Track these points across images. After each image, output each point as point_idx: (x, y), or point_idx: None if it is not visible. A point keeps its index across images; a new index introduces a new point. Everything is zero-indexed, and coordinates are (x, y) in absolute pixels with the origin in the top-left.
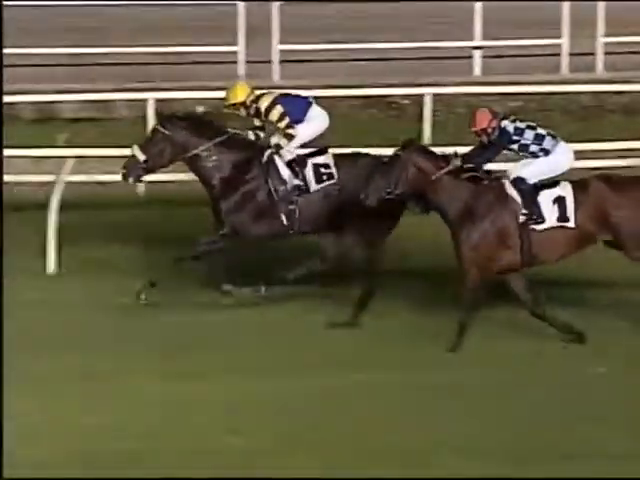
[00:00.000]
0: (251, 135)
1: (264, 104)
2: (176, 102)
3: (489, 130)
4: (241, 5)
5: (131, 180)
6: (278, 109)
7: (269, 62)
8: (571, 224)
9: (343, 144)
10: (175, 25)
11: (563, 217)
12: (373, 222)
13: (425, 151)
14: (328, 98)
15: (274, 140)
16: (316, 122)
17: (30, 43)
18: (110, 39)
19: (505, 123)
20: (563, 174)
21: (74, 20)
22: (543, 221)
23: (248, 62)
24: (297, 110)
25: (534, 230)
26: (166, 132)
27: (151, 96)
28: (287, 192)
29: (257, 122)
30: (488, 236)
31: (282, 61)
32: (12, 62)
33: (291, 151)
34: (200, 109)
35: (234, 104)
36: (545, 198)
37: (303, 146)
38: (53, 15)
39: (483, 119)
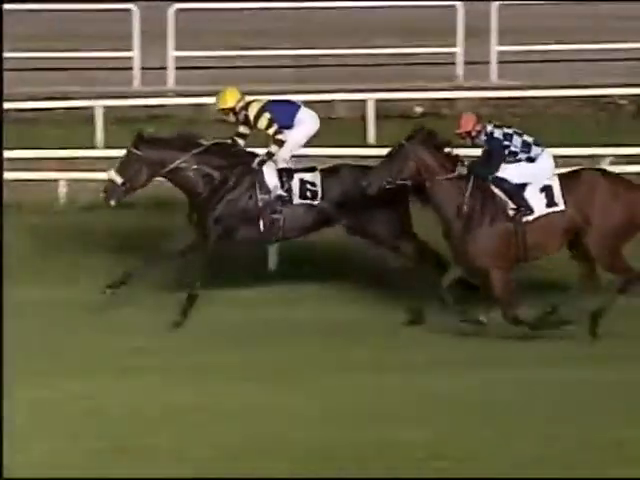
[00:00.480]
0: (232, 142)
1: (252, 111)
2: (395, 103)
3: (473, 133)
4: (460, 5)
5: (112, 202)
6: (266, 116)
7: (487, 63)
8: (560, 207)
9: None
10: (394, 26)
11: (551, 202)
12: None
13: (431, 145)
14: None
15: (270, 149)
16: (305, 125)
17: (256, 45)
18: (329, 41)
19: (490, 128)
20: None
21: (295, 24)
22: (532, 212)
23: (467, 63)
24: (285, 116)
25: (527, 222)
26: (139, 153)
27: (371, 97)
28: (271, 201)
29: (242, 129)
30: (493, 235)
31: (500, 62)
32: (243, 63)
33: (286, 159)
34: (418, 110)
35: (223, 109)
36: (531, 190)
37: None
38: (275, 19)
39: (468, 122)
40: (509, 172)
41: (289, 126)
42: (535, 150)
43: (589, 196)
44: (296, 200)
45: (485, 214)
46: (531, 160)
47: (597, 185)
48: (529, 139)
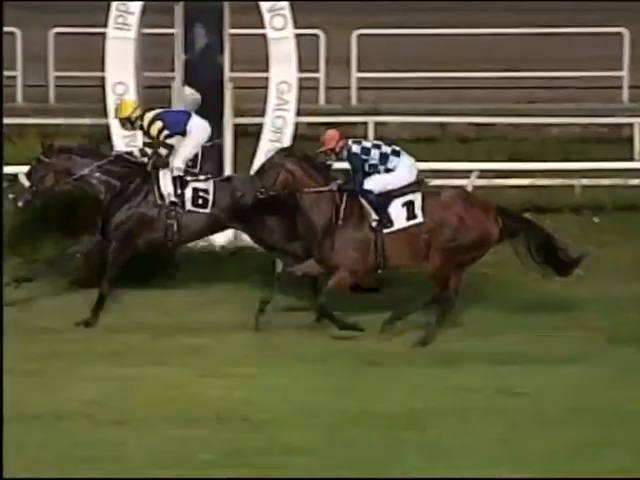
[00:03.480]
0: (138, 153)
1: (146, 121)
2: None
3: (337, 150)
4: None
5: (20, 204)
6: (157, 125)
7: None
8: (419, 220)
9: None
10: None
11: (411, 215)
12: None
13: (302, 158)
14: None
15: (160, 151)
16: (196, 133)
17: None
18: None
19: (350, 145)
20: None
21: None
22: (392, 224)
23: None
24: (176, 124)
25: (387, 233)
26: (47, 160)
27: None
28: (165, 208)
29: (145, 139)
30: (351, 243)
31: None
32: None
33: (180, 168)
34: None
35: (121, 119)
36: (395, 205)
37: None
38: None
39: (331, 139)
40: (372, 184)
41: (179, 133)
42: (393, 161)
43: (445, 213)
44: (189, 206)
45: (349, 222)
46: (390, 170)
47: (453, 204)
48: (387, 150)
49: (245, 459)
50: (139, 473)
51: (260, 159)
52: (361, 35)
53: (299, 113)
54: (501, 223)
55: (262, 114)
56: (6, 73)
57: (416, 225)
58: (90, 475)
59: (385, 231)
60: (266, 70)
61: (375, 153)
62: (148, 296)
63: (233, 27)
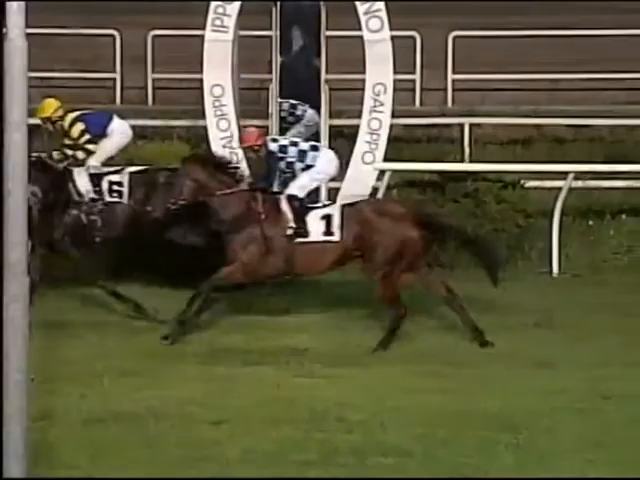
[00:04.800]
0: (56, 155)
1: (67, 122)
2: None
3: (256, 147)
4: None
5: None
6: (78, 126)
7: None
8: (335, 238)
9: None
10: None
11: (328, 231)
12: None
13: (209, 165)
14: None
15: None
16: (117, 135)
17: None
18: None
19: (269, 142)
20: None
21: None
22: (307, 235)
23: None
24: (97, 126)
25: (300, 243)
26: None
27: None
28: (86, 204)
29: (66, 140)
30: (255, 244)
31: None
32: None
33: (97, 166)
34: None
35: (42, 119)
36: (314, 216)
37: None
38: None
39: (250, 137)
40: (297, 188)
41: (101, 135)
42: (311, 156)
43: (363, 227)
44: (108, 198)
45: (261, 223)
46: (310, 166)
47: (367, 218)
48: (305, 146)
49: (340, 459)
50: (235, 473)
51: (356, 161)
52: (457, 37)
53: (394, 115)
54: (422, 222)
55: (358, 116)
56: (105, 75)
57: (331, 242)
58: (187, 475)
59: (298, 240)
60: (362, 72)
61: (293, 150)
62: (244, 297)
63: (329, 29)
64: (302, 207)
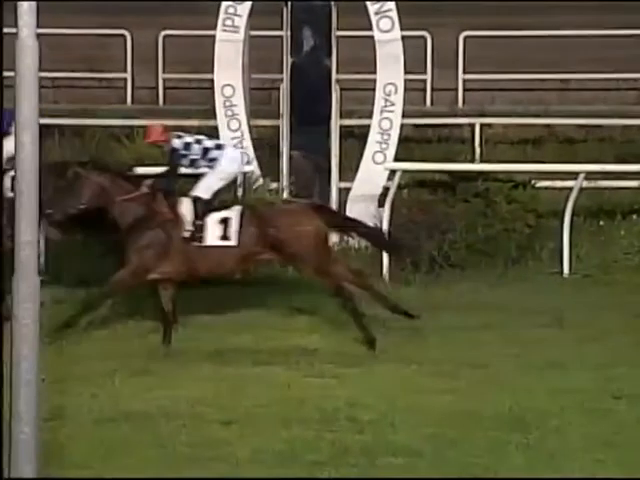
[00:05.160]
0: None
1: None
2: None
3: (160, 143)
4: None
5: None
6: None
7: None
8: (232, 242)
9: None
10: None
11: (225, 236)
12: None
13: (106, 169)
14: None
15: None
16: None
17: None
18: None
19: (173, 139)
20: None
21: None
22: (204, 239)
23: None
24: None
25: (197, 246)
26: None
27: None
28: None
29: None
30: (150, 247)
31: None
32: None
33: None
34: None
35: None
36: (213, 219)
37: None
38: None
39: (154, 133)
40: (202, 190)
41: (6, 134)
42: (215, 154)
43: (261, 228)
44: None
45: (159, 226)
46: (213, 160)
47: (266, 221)
48: (209, 144)
49: (350, 459)
50: (245, 473)
51: (367, 161)
52: (468, 37)
53: (405, 115)
54: (320, 216)
55: (369, 116)
56: (116, 75)
57: (229, 246)
58: (197, 474)
59: (195, 244)
60: (373, 72)
61: (196, 148)
62: (255, 297)
63: (340, 29)
64: (203, 210)
